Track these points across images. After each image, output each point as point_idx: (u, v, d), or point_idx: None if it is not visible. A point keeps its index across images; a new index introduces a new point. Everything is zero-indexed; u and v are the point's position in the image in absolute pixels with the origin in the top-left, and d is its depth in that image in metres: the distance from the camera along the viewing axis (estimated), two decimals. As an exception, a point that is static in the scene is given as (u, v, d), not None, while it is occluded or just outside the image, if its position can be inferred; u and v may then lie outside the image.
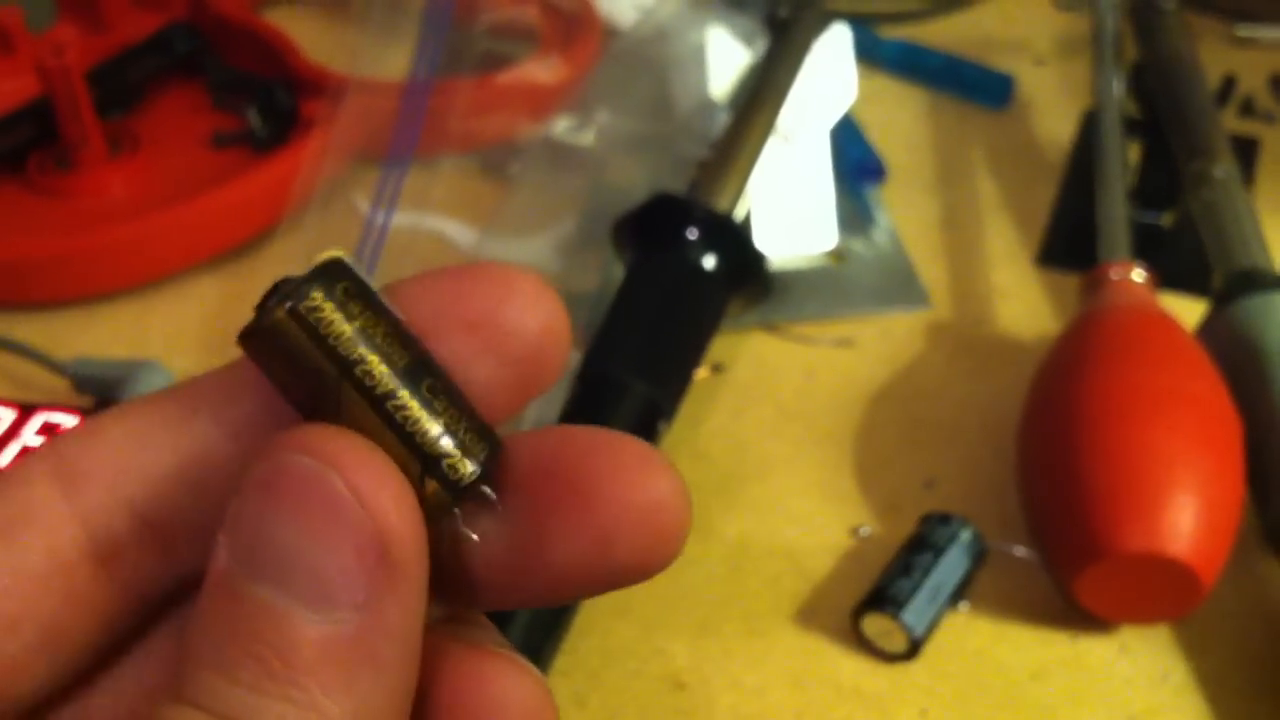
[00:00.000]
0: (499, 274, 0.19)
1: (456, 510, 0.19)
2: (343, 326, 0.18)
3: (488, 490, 0.19)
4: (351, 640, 0.17)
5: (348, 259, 0.18)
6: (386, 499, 0.17)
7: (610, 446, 0.19)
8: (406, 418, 0.18)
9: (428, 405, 0.18)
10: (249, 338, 0.18)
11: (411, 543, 0.17)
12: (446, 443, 0.18)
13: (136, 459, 0.19)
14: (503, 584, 0.19)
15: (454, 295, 0.19)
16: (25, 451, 0.46)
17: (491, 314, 0.19)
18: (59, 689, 0.19)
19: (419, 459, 0.18)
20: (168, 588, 0.20)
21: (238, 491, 0.17)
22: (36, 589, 0.19)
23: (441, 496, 0.18)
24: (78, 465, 0.19)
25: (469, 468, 0.18)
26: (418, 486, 0.18)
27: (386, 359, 0.18)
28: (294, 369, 0.18)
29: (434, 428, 0.18)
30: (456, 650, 0.19)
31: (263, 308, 0.18)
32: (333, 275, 0.18)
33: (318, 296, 0.18)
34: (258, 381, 0.19)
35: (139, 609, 0.20)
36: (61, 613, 0.19)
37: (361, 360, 0.18)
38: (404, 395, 0.18)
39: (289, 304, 0.17)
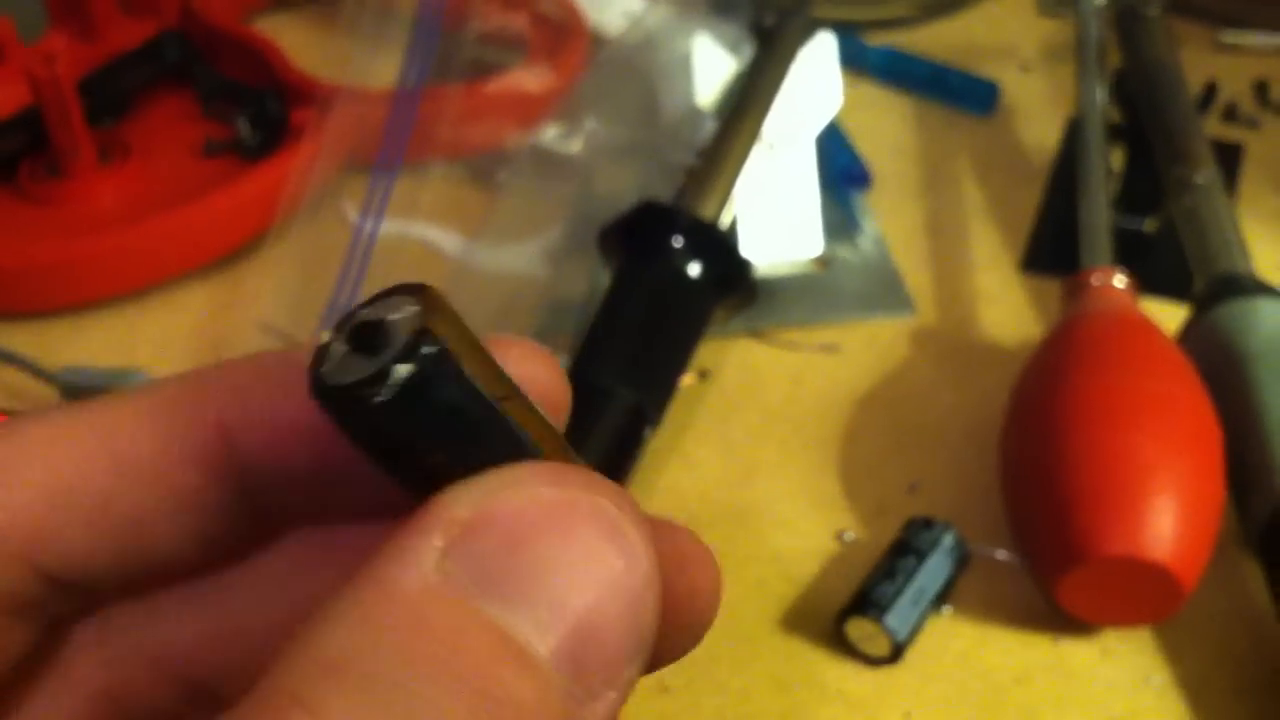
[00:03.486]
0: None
1: None
2: (485, 354, 0.16)
3: None
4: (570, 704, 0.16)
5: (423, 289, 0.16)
6: (652, 557, 0.17)
7: (678, 545, 0.19)
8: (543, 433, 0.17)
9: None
10: (379, 411, 0.15)
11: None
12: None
13: (44, 528, 0.17)
14: None
15: None
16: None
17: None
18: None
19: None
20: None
21: (479, 510, 0.16)
22: None
23: None
24: None
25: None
26: None
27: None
28: (441, 424, 0.16)
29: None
30: None
31: (368, 382, 0.15)
32: (438, 304, 0.16)
33: (443, 327, 0.15)
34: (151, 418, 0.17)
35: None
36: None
37: (511, 391, 0.16)
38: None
39: (405, 369, 0.15)
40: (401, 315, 0.15)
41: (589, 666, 0.16)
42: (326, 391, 0.16)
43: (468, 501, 0.16)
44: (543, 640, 0.15)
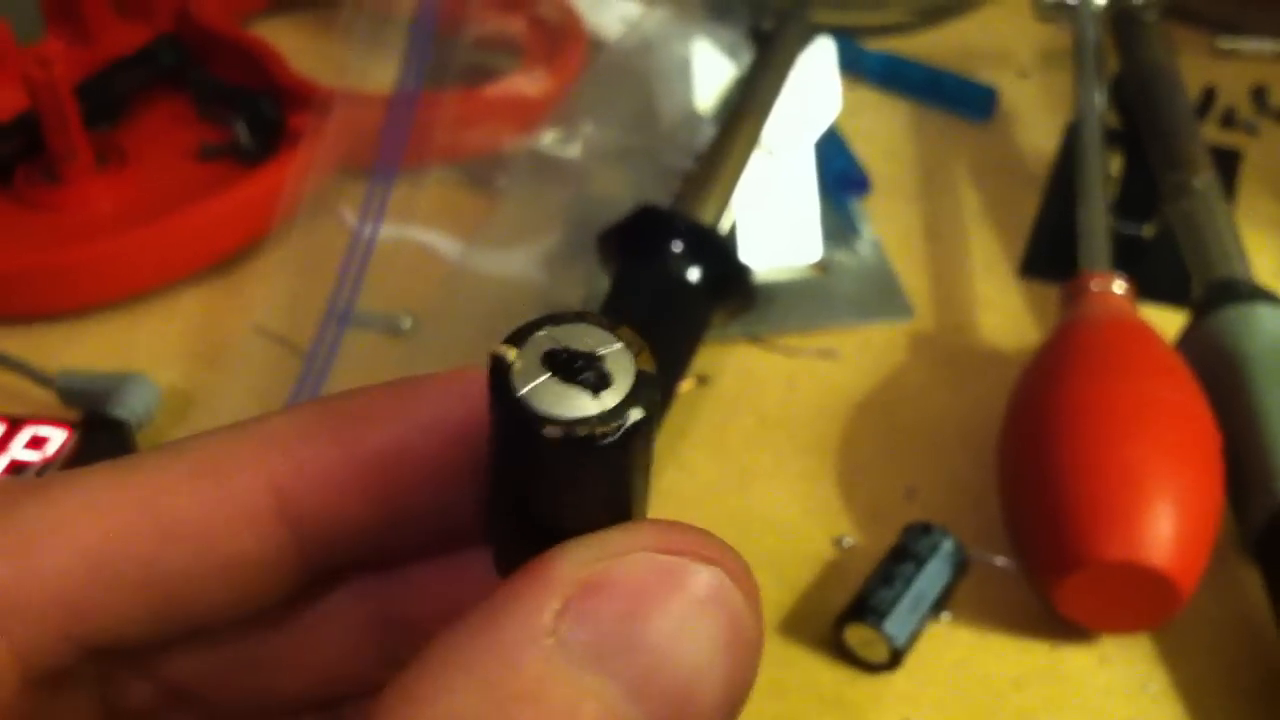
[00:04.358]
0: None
1: None
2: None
3: None
4: None
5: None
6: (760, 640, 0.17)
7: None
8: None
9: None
10: (595, 450, 0.15)
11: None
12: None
13: (83, 599, 0.17)
14: None
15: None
16: (14, 465, 0.46)
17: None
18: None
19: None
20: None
21: (602, 587, 0.16)
22: None
23: None
24: (14, 597, 0.16)
25: None
26: None
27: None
28: (620, 470, 0.16)
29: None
30: None
31: (599, 420, 0.15)
32: (646, 343, 0.16)
33: (654, 403, 0.15)
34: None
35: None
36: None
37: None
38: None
39: (638, 413, 0.15)
40: (611, 351, 0.15)
41: None
42: (535, 420, 0.15)
43: (585, 562, 0.16)
44: (639, 709, 0.15)
